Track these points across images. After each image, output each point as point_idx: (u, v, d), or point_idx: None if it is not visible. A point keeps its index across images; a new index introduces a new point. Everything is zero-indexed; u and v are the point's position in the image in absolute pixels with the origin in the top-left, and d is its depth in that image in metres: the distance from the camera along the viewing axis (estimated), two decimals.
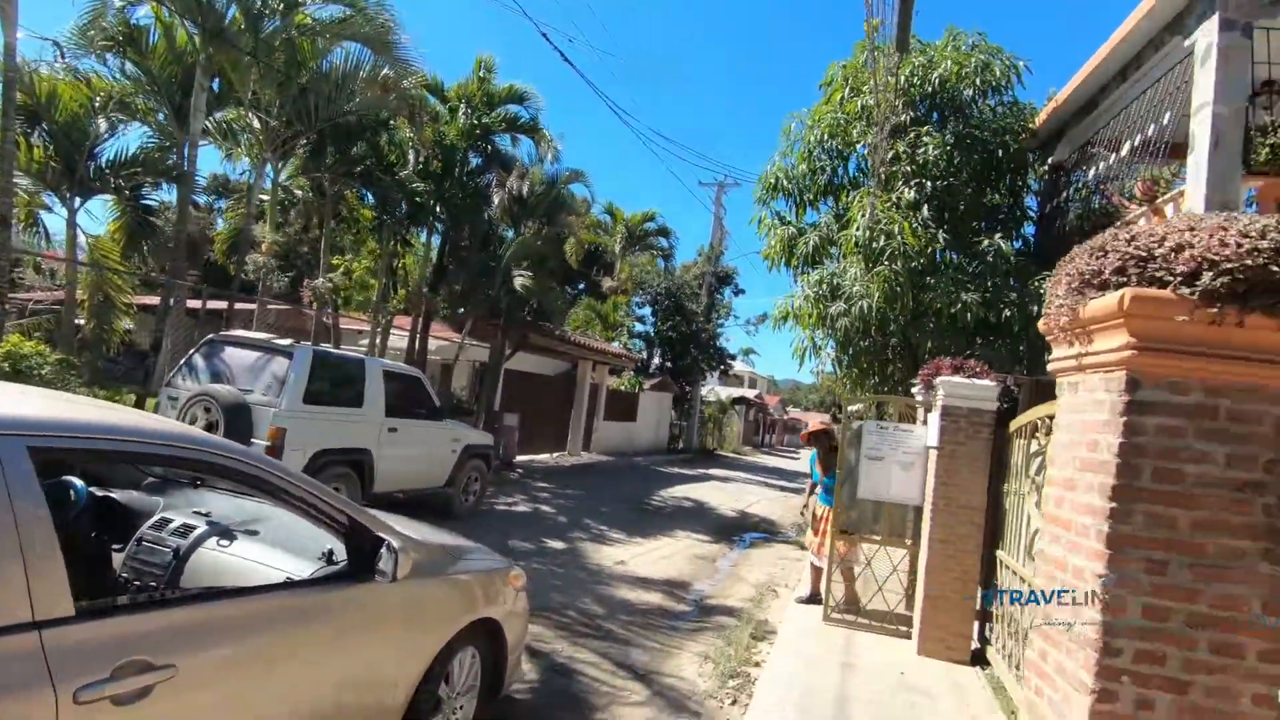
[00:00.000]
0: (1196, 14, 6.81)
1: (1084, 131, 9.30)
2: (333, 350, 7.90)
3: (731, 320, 39.05)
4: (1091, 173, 8.88)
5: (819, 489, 6.49)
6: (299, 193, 11.07)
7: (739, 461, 27.91)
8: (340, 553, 2.55)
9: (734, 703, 4.34)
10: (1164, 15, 7.25)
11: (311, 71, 10.28)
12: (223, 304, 12.55)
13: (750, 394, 45.97)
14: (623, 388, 22.99)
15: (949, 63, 8.94)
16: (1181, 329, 1.67)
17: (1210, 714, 1.67)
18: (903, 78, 9.04)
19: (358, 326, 15.84)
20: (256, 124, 10.92)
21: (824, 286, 8.75)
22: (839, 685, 4.47)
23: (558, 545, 8.14)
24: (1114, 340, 1.77)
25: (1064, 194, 9.55)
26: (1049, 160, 10.11)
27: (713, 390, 35.38)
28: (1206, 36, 6.58)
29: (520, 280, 11.52)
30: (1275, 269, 1.60)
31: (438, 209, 11.96)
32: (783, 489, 18.18)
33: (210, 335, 6.99)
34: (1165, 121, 7.20)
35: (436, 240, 14.58)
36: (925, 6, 9.83)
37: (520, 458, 15.80)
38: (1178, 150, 7.47)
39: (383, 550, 2.46)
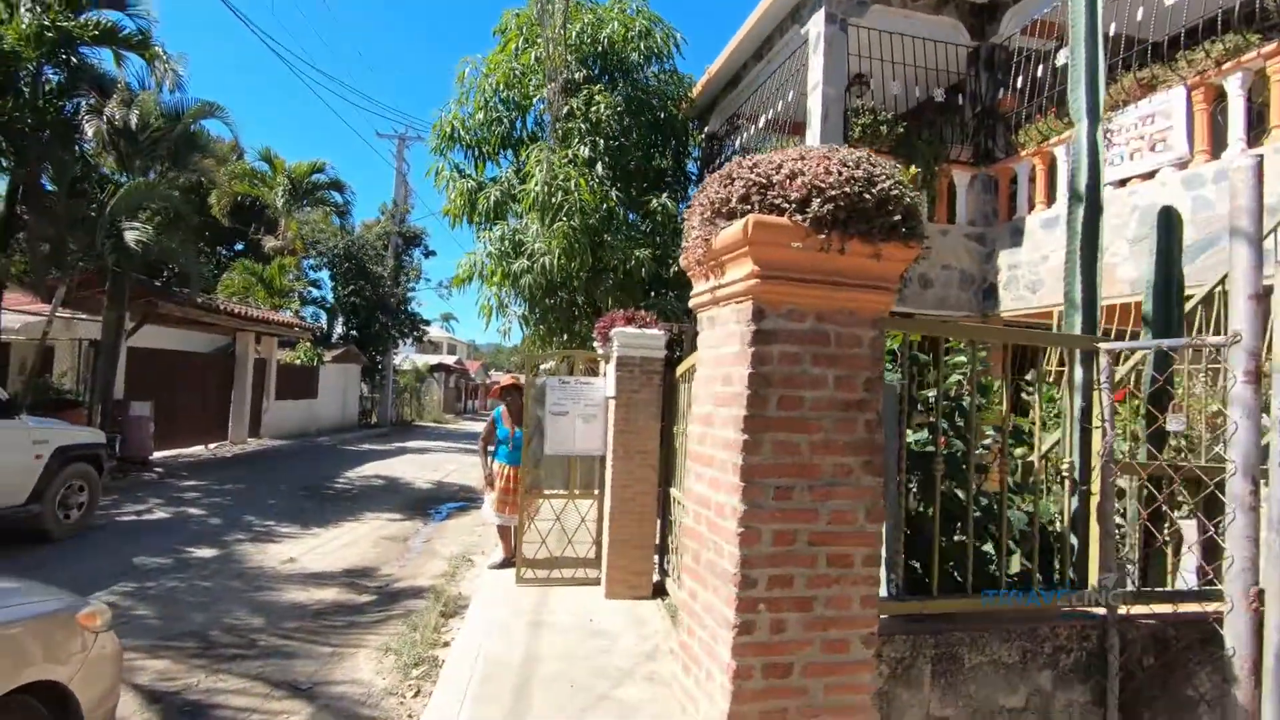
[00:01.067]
0: (809, 7, 7.87)
1: (731, 105, 10.37)
2: None
3: (424, 283, 37.23)
4: (738, 142, 9.96)
5: (504, 445, 6.30)
6: None
7: (439, 430, 26.92)
8: None
9: (417, 694, 3.96)
10: (785, 5, 8.27)
11: None
12: None
13: (450, 360, 44.62)
14: (299, 361, 20.34)
15: (616, 24, 9.17)
16: (797, 256, 1.68)
17: (830, 622, 1.76)
18: (573, 33, 9.05)
19: None
20: None
21: (507, 243, 8.50)
22: (528, 646, 4.35)
23: (206, 553, 6.78)
24: (742, 269, 1.73)
25: (717, 160, 10.59)
26: (705, 129, 11.13)
27: (408, 359, 33.47)
28: (816, 27, 7.64)
29: (133, 234, 9.13)
30: (868, 196, 1.68)
31: None
32: None
33: None
34: (790, 99, 8.28)
35: (4, 181, 10.95)
36: None
37: (162, 453, 13.02)
38: (798, 128, 8.69)
39: None
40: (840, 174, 1.68)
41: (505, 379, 6.61)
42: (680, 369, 5.24)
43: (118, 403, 11.32)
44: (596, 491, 5.99)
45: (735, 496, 1.71)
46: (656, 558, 5.81)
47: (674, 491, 5.45)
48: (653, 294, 8.94)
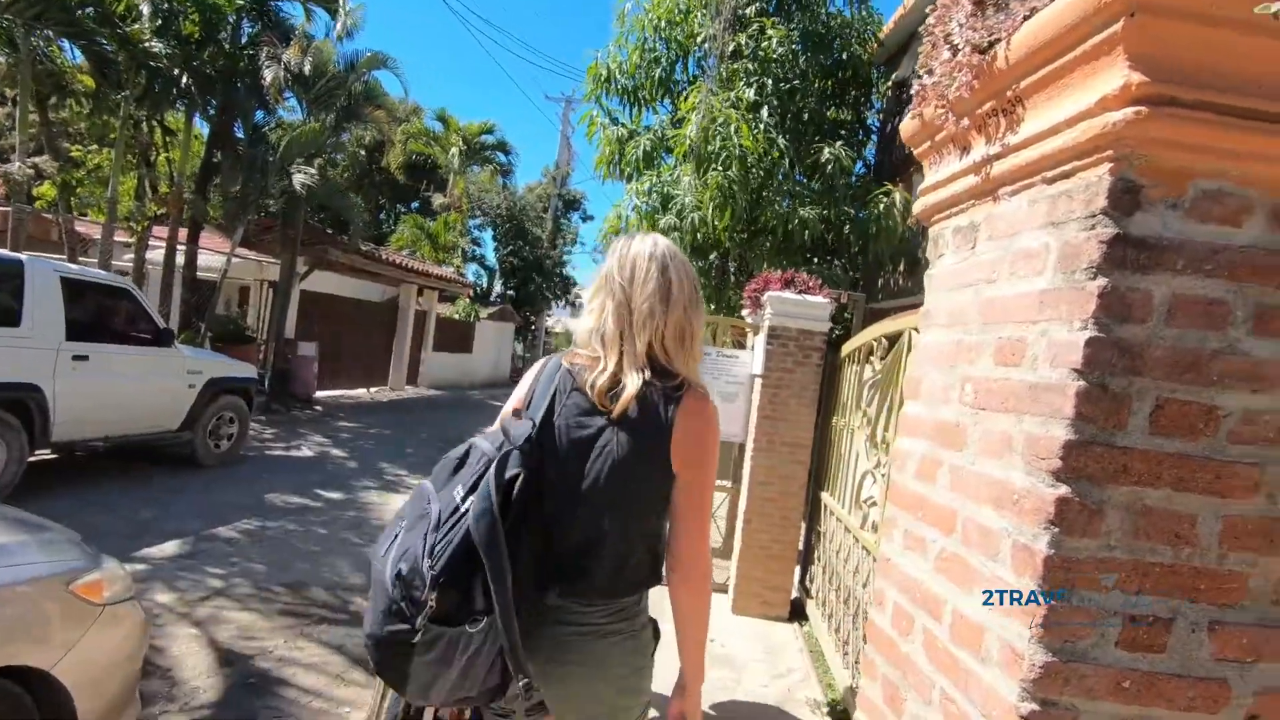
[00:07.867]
0: None
1: None
2: None
3: (579, 248, 37.70)
4: None
5: None
6: None
7: None
8: None
9: None
10: None
11: None
12: None
13: None
14: (457, 316, 21.08)
15: None
16: (1263, 47, 0.65)
17: None
18: None
19: (123, 239, 12.83)
20: None
21: (655, 197, 7.69)
22: None
23: (333, 496, 6.72)
24: (1087, 93, 0.73)
25: (906, 113, 9.07)
26: (893, 77, 9.59)
27: (560, 320, 34.17)
28: None
29: (300, 179, 9.42)
30: None
31: (185, 82, 9.39)
32: None
33: None
34: None
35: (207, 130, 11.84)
36: None
37: (326, 393, 13.81)
38: None
39: None
40: None
41: None
42: (847, 348, 4.18)
43: (288, 341, 12.01)
44: (730, 484, 5.11)
45: (1021, 621, 0.74)
46: (798, 570, 4.84)
47: (825, 496, 4.43)
48: (815, 261, 7.78)
